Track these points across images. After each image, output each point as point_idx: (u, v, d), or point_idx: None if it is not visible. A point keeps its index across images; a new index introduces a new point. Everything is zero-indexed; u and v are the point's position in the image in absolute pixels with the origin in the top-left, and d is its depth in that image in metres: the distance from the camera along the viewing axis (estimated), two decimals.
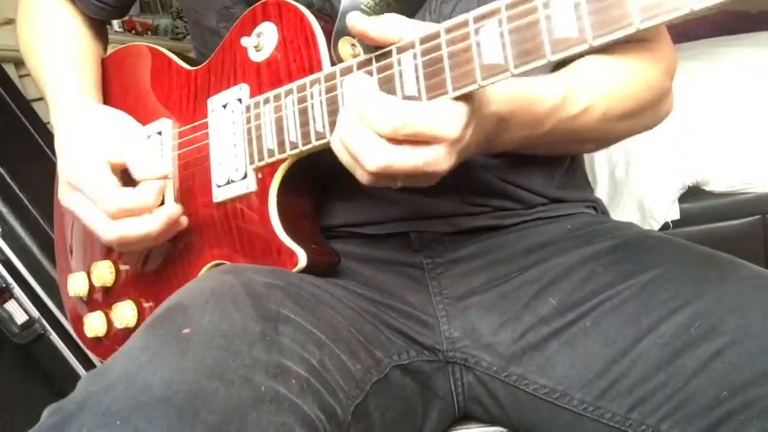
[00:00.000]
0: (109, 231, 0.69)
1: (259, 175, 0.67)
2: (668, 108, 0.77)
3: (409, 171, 0.53)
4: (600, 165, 1.85)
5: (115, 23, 2.35)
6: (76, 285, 0.85)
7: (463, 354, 0.70)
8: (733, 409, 0.53)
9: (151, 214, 0.69)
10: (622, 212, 1.77)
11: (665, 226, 1.74)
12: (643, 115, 0.74)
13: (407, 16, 0.68)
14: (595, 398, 0.61)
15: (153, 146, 0.76)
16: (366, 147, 0.53)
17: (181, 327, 0.52)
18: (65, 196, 0.72)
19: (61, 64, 0.81)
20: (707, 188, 1.76)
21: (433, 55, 0.53)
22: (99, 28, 0.90)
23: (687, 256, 0.66)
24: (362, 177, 0.56)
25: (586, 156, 0.90)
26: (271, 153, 0.65)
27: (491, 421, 0.72)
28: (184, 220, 0.72)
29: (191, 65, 0.78)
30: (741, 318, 0.56)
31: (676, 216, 1.74)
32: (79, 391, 0.48)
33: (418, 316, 0.71)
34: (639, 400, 0.59)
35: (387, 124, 0.52)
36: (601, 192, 1.84)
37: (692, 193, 1.75)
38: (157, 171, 0.70)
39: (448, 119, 0.52)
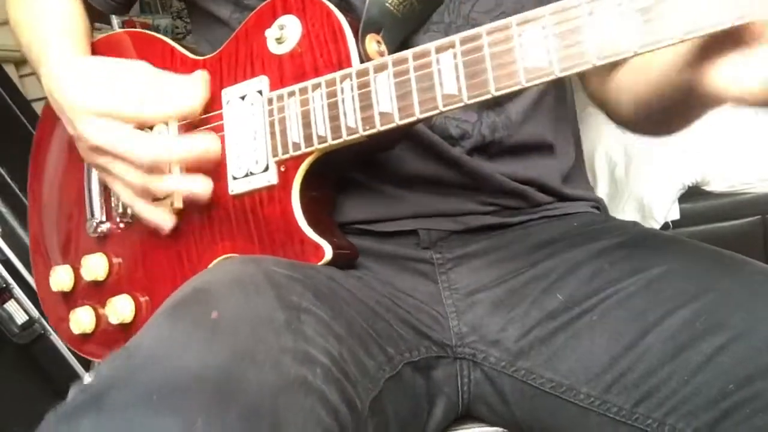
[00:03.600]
0: (152, 145, 0.66)
1: (282, 168, 0.67)
2: None
3: None
4: (600, 165, 1.86)
5: (116, 23, 2.35)
6: (61, 279, 0.82)
7: (471, 350, 0.70)
8: (738, 402, 0.53)
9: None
10: (622, 212, 1.77)
11: (665, 226, 1.74)
12: None
13: (428, 14, 0.70)
14: (601, 392, 0.61)
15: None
16: None
17: (208, 310, 0.51)
18: (90, 128, 0.68)
19: (60, 30, 0.79)
20: (707, 188, 1.76)
21: (474, 55, 0.54)
22: (92, 14, 0.87)
23: (693, 253, 0.66)
24: None
25: (586, 156, 0.91)
26: (296, 146, 0.65)
27: (494, 420, 0.72)
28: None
29: (195, 54, 0.76)
30: (747, 313, 0.57)
31: (677, 216, 1.74)
32: (107, 370, 0.47)
33: (428, 311, 0.71)
34: (645, 394, 0.59)
35: None
36: (601, 192, 1.84)
37: (692, 193, 1.75)
38: (194, 74, 0.69)
39: None
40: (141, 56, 0.78)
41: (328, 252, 0.65)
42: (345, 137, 0.62)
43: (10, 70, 1.66)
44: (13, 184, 1.25)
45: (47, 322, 1.23)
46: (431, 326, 0.70)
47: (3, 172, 1.24)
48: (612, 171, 1.84)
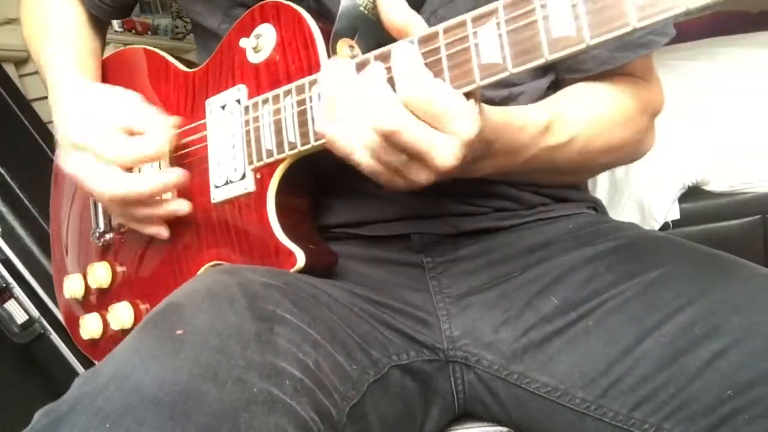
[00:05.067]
0: (115, 184, 0.69)
1: (258, 176, 0.68)
2: (649, 145, 0.79)
3: (415, 148, 0.52)
4: None
5: (116, 23, 2.35)
6: (72, 286, 0.85)
7: (463, 353, 0.70)
8: (736, 408, 0.53)
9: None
10: (622, 212, 1.76)
11: (665, 226, 1.74)
12: (624, 150, 0.75)
13: None
14: (598, 397, 0.61)
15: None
16: (382, 104, 0.52)
17: (174, 327, 0.52)
18: (67, 158, 0.72)
19: (64, 49, 0.82)
20: (707, 188, 1.75)
21: (432, 56, 0.53)
22: (99, 25, 0.91)
23: (690, 256, 0.66)
24: (364, 141, 0.54)
25: None
26: (269, 153, 0.66)
27: (492, 420, 0.72)
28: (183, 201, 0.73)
29: (190, 68, 0.78)
30: (745, 318, 0.56)
31: (676, 216, 1.74)
32: (72, 392, 0.48)
33: (418, 315, 0.71)
34: (642, 398, 0.59)
35: (412, 92, 0.51)
36: (601, 192, 1.84)
37: (692, 193, 1.75)
38: (165, 121, 0.71)
39: (469, 115, 0.52)
40: (143, 72, 0.83)
41: (301, 259, 0.65)
42: (313, 143, 0.62)
43: (10, 70, 1.66)
44: (13, 184, 1.25)
45: (47, 322, 1.24)
46: (421, 330, 0.70)
47: (3, 172, 1.24)
48: (612, 171, 1.83)
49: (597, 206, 0.83)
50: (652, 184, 1.73)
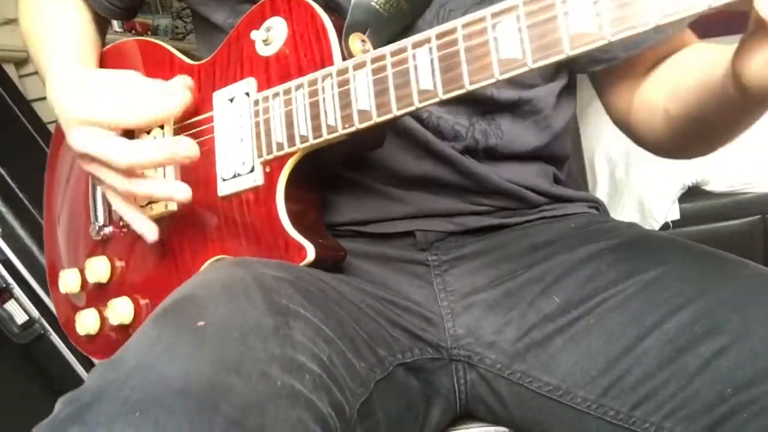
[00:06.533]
0: (126, 150, 0.67)
1: (267, 169, 0.67)
2: None
3: None
4: (600, 165, 1.86)
5: (115, 23, 2.35)
6: (69, 281, 0.83)
7: (466, 351, 0.70)
8: (736, 407, 0.53)
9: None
10: (622, 212, 1.77)
11: (665, 226, 1.74)
12: None
13: (417, 14, 0.69)
14: (599, 396, 0.61)
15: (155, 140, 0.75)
16: None
17: (194, 318, 0.51)
18: (77, 135, 0.71)
19: (65, 43, 0.81)
20: (707, 188, 1.76)
21: (449, 49, 0.53)
22: (102, 24, 0.90)
23: (690, 255, 0.66)
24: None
25: (586, 156, 0.91)
26: (280, 146, 0.65)
27: (493, 420, 0.72)
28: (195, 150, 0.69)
29: (194, 60, 0.78)
30: (744, 316, 0.56)
31: (676, 216, 1.74)
32: (94, 380, 0.47)
33: (422, 313, 0.71)
34: (642, 397, 0.59)
35: None
36: (601, 192, 1.84)
37: (692, 193, 1.75)
38: (180, 80, 0.72)
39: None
40: (144, 64, 0.81)
41: (311, 252, 0.65)
42: (325, 136, 0.62)
43: (10, 70, 1.66)
44: (13, 184, 1.25)
45: (47, 322, 1.24)
46: (425, 328, 0.70)
47: (3, 172, 1.24)
48: (612, 171, 1.84)
49: (598, 206, 0.83)
50: (652, 184, 1.74)
